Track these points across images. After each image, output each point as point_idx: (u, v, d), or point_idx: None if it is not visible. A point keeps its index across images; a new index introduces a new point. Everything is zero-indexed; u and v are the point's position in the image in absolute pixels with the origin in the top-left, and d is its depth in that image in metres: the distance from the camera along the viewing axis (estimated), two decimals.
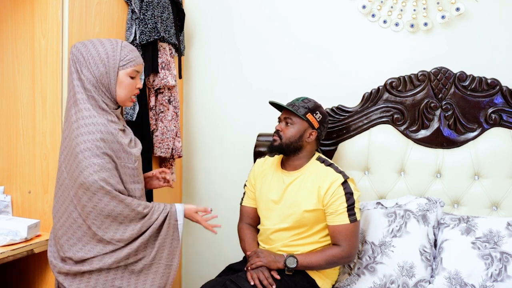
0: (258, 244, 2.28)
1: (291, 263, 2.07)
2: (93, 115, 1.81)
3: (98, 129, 1.78)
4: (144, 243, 1.85)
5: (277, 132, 2.20)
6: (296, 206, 2.14)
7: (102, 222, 1.79)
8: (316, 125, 2.18)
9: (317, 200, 2.12)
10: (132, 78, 1.88)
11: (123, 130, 1.91)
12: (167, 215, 1.90)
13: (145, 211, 1.84)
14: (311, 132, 2.18)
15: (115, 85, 1.86)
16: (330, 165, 2.19)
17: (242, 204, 2.37)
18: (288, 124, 2.18)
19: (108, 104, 1.86)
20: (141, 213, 1.83)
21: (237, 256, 2.48)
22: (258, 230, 2.32)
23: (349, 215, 2.09)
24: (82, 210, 1.79)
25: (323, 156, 2.27)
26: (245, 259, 2.26)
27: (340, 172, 2.16)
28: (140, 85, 1.93)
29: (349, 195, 2.10)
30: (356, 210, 2.11)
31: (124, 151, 1.84)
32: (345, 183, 2.12)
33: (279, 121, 2.24)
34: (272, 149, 2.21)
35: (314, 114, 2.18)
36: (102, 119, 1.81)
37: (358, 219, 2.12)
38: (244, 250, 2.28)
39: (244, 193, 2.37)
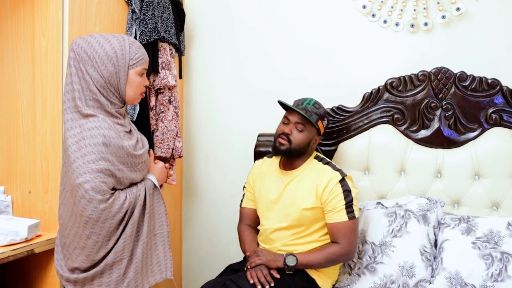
0: (258, 245, 2.28)
1: (291, 262, 2.07)
2: (96, 118, 1.73)
3: (100, 132, 1.70)
4: (136, 225, 1.78)
5: (286, 135, 2.14)
6: (295, 204, 2.15)
7: (101, 228, 1.71)
8: (322, 131, 2.20)
9: (315, 198, 2.12)
10: (141, 76, 1.82)
11: (129, 131, 1.85)
12: (145, 187, 1.84)
13: (127, 197, 1.76)
14: (317, 138, 2.20)
15: (125, 85, 1.78)
16: (327, 163, 2.20)
17: (242, 205, 2.37)
18: (300, 130, 2.14)
19: (115, 103, 1.79)
20: (123, 207, 1.75)
21: (237, 256, 2.48)
22: (258, 231, 2.33)
23: (348, 212, 2.09)
24: (80, 218, 1.71)
25: (321, 155, 2.28)
26: (245, 259, 2.26)
27: (338, 170, 2.16)
28: (147, 82, 1.88)
29: (347, 192, 2.11)
30: (354, 207, 2.11)
31: (129, 155, 1.76)
32: (343, 181, 2.12)
33: (286, 123, 2.17)
34: (278, 152, 2.17)
35: (323, 121, 2.19)
36: (106, 122, 1.73)
37: (356, 216, 2.12)
38: (244, 251, 2.28)
39: (243, 195, 2.37)
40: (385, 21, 2.57)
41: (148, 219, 1.83)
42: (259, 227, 2.30)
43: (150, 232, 1.85)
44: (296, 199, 2.15)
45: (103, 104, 1.76)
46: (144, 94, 1.89)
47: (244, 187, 2.38)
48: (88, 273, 1.76)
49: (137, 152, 1.80)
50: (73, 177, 1.69)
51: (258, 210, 2.29)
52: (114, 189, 1.75)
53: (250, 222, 2.35)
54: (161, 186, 1.99)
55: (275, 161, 2.30)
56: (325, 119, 2.20)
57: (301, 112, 2.11)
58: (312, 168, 2.19)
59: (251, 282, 2.02)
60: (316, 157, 2.24)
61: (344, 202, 2.10)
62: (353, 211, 2.10)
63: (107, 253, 1.75)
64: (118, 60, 1.76)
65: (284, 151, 2.15)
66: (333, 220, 2.11)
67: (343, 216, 2.09)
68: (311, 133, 2.16)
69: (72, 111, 1.76)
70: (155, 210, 1.88)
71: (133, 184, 1.82)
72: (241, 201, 2.38)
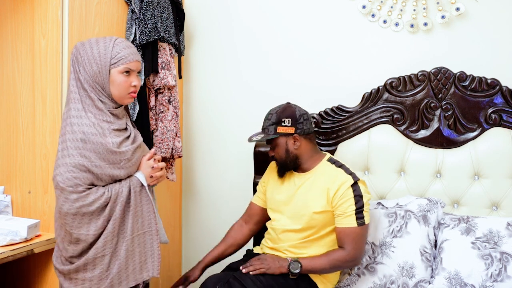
0: (252, 249, 2.30)
1: (295, 268, 2.05)
2: (81, 115, 1.79)
3: (80, 129, 1.77)
4: (118, 221, 1.82)
5: (272, 157, 2.21)
6: (306, 207, 2.12)
7: (73, 220, 1.77)
8: (291, 130, 2.12)
9: (326, 201, 2.09)
10: (125, 75, 1.85)
11: (122, 129, 1.88)
12: (130, 185, 1.86)
13: (106, 192, 1.81)
14: (293, 139, 2.14)
15: (108, 83, 1.83)
16: (341, 166, 2.15)
17: (252, 200, 2.39)
18: (273, 148, 2.18)
19: (106, 103, 1.84)
20: (101, 200, 1.79)
21: (237, 255, 2.48)
22: (254, 229, 2.35)
23: (357, 218, 2.05)
24: (56, 209, 1.80)
25: (334, 158, 2.22)
26: (245, 258, 2.27)
27: (351, 173, 2.11)
28: (136, 82, 1.89)
29: (358, 197, 2.06)
30: (365, 213, 2.07)
31: (110, 152, 1.79)
32: (355, 185, 2.07)
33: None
34: (281, 171, 2.21)
35: (282, 124, 2.12)
36: (90, 120, 1.79)
37: (366, 222, 2.07)
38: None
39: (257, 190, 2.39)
40: (384, 21, 2.57)
41: (132, 217, 1.85)
42: (268, 225, 2.28)
43: (137, 230, 1.87)
44: (307, 202, 2.12)
45: (94, 100, 1.82)
46: (134, 94, 1.90)
47: (259, 183, 2.39)
48: (70, 267, 1.81)
49: (120, 149, 1.82)
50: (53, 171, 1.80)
51: (268, 210, 2.29)
52: (94, 184, 1.79)
53: (247, 217, 2.37)
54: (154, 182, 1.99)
55: None
56: (283, 120, 2.12)
57: (257, 140, 2.14)
58: (324, 171, 2.15)
59: (244, 271, 2.06)
60: (329, 160, 2.19)
61: (355, 208, 2.05)
62: (363, 217, 2.06)
63: (88, 248, 1.80)
64: (101, 59, 1.82)
65: (281, 168, 2.19)
66: (342, 225, 2.07)
67: (352, 222, 2.05)
68: (281, 142, 2.14)
69: (66, 105, 1.85)
70: (144, 208, 1.90)
71: (117, 181, 1.85)
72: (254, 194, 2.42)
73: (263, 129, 2.18)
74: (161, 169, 1.98)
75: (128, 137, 1.89)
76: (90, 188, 1.77)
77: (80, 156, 1.75)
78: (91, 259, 1.79)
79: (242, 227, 2.37)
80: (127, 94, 1.87)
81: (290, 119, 2.13)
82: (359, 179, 2.10)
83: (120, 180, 1.85)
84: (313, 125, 2.20)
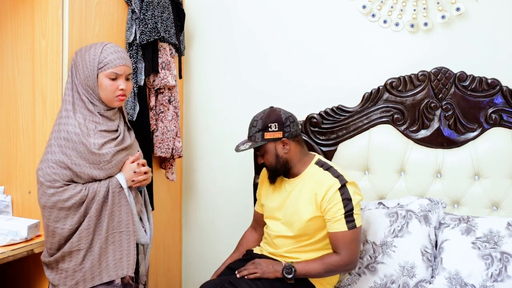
0: (252, 249, 2.30)
1: (289, 273, 2.04)
2: (69, 115, 1.88)
3: (65, 128, 1.86)
4: (94, 219, 1.88)
5: (263, 164, 2.19)
6: (297, 214, 2.11)
7: (50, 213, 1.86)
8: (279, 135, 2.09)
9: (315, 207, 2.07)
10: (112, 79, 1.91)
11: (110, 131, 1.92)
12: (108, 185, 1.91)
13: (83, 190, 1.87)
14: (282, 143, 2.11)
15: (97, 87, 1.91)
16: (328, 168, 2.11)
17: (254, 208, 2.40)
18: (262, 155, 2.15)
19: (97, 105, 1.92)
20: (78, 195, 1.86)
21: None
22: (263, 234, 2.34)
23: (347, 222, 2.02)
24: (38, 202, 1.90)
25: (323, 159, 2.20)
26: (244, 257, 2.27)
27: (338, 176, 2.07)
28: (124, 85, 1.93)
29: (347, 201, 2.02)
30: (355, 216, 2.03)
31: (90, 152, 1.85)
32: (342, 188, 2.04)
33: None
34: (272, 178, 2.19)
35: (269, 130, 2.09)
36: (76, 120, 1.87)
37: (358, 225, 2.04)
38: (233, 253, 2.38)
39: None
40: (385, 21, 2.57)
41: (109, 216, 1.90)
42: (264, 229, 2.28)
43: (112, 229, 1.92)
44: (299, 209, 2.10)
45: (86, 103, 1.90)
46: (122, 97, 1.95)
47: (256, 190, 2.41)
48: (51, 258, 1.90)
49: (100, 151, 1.88)
50: None
51: (264, 216, 2.29)
52: (73, 181, 1.87)
53: (255, 225, 2.39)
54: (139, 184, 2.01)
55: None
56: (270, 125, 2.08)
57: (245, 149, 2.11)
58: (313, 175, 2.12)
59: (238, 276, 2.06)
60: (318, 162, 2.16)
61: (343, 211, 2.02)
62: (353, 220, 2.02)
63: (64, 242, 1.88)
64: (90, 64, 1.91)
65: (272, 174, 2.17)
66: (333, 230, 2.04)
67: (342, 226, 2.02)
68: (270, 148, 2.11)
69: (61, 115, 1.92)
70: (122, 209, 1.94)
71: (97, 180, 1.91)
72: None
73: (249, 137, 2.14)
74: (145, 173, 2.01)
75: (114, 138, 1.94)
76: (69, 185, 1.85)
77: (61, 154, 1.85)
78: (67, 252, 1.88)
79: (252, 234, 2.39)
80: (115, 97, 1.93)
81: (276, 124, 2.10)
82: (347, 181, 2.06)
83: (100, 180, 1.91)
84: (300, 127, 2.16)
